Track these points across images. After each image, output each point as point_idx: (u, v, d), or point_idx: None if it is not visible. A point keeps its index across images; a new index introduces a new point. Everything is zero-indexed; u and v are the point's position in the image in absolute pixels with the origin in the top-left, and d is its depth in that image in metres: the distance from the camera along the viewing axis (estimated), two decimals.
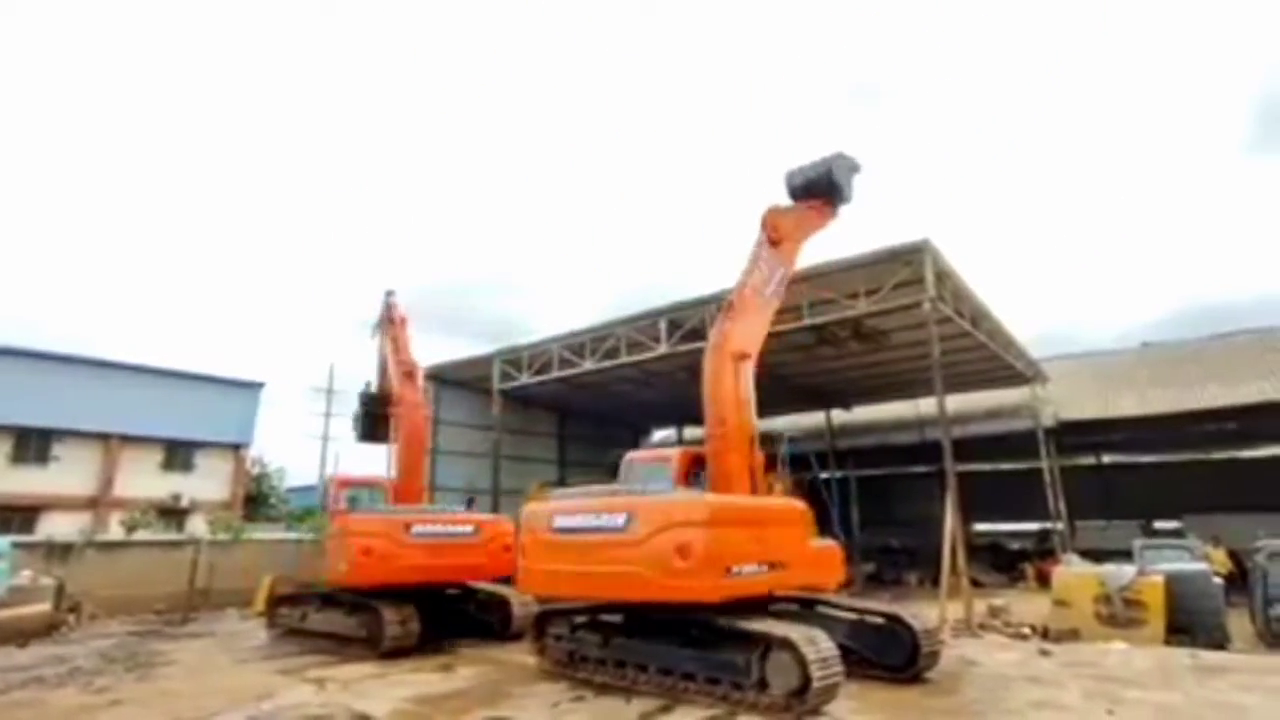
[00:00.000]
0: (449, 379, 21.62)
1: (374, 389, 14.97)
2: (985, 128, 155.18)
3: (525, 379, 18.96)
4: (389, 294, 15.63)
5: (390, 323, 15.11)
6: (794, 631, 6.56)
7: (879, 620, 7.96)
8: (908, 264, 12.80)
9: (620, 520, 7.19)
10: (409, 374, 13.82)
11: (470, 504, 14.36)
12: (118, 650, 10.64)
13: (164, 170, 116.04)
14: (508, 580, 13.78)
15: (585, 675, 8.01)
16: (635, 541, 6.99)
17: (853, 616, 8.10)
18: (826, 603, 8.29)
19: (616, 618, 8.21)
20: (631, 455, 10.72)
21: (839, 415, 24.72)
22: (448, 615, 11.28)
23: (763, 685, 6.63)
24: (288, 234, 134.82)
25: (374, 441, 15.10)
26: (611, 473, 22.98)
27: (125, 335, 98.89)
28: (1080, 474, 24.33)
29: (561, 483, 23.57)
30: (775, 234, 9.76)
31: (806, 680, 6.27)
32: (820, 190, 10.04)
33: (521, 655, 9.50)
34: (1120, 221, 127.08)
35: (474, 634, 11.23)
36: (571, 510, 7.76)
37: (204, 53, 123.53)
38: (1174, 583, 10.44)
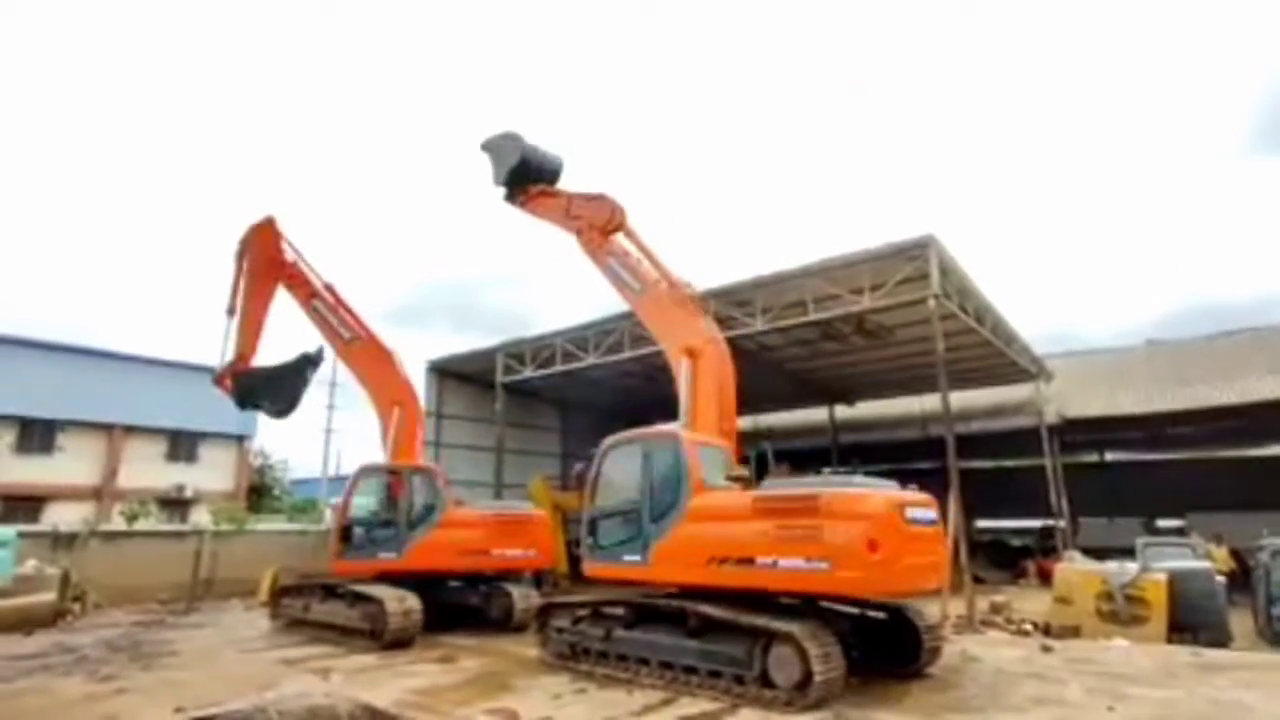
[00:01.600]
0: (452, 372, 21.63)
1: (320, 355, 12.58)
2: (988, 125, 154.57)
3: (528, 373, 18.97)
4: (269, 221, 12.61)
5: (296, 281, 12.44)
6: (796, 625, 6.58)
7: (881, 615, 7.97)
8: (912, 259, 12.76)
9: (934, 514, 7.39)
10: (390, 356, 12.45)
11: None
12: (123, 640, 10.70)
13: (168, 163, 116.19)
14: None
15: (587, 668, 8.03)
16: (940, 533, 7.57)
17: (854, 611, 8.11)
18: (828, 597, 8.29)
19: (617, 610, 8.22)
20: (691, 437, 8.65)
21: (842, 411, 24.71)
22: (449, 607, 11.32)
23: (764, 678, 6.66)
24: (294, 228, 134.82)
25: (281, 416, 12.75)
26: None
27: (129, 327, 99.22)
28: (1083, 471, 24.29)
29: (564, 477, 23.60)
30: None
31: (808, 674, 6.29)
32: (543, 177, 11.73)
33: (523, 647, 9.53)
34: (1121, 220, 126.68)
35: (475, 626, 11.29)
36: (912, 503, 7.04)
37: (217, 51, 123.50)
38: (1176, 581, 10.43)
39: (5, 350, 23.94)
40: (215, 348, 12.73)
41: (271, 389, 12.46)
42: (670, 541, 7.73)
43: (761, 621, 6.77)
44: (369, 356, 12.48)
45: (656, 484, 8.12)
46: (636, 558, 7.96)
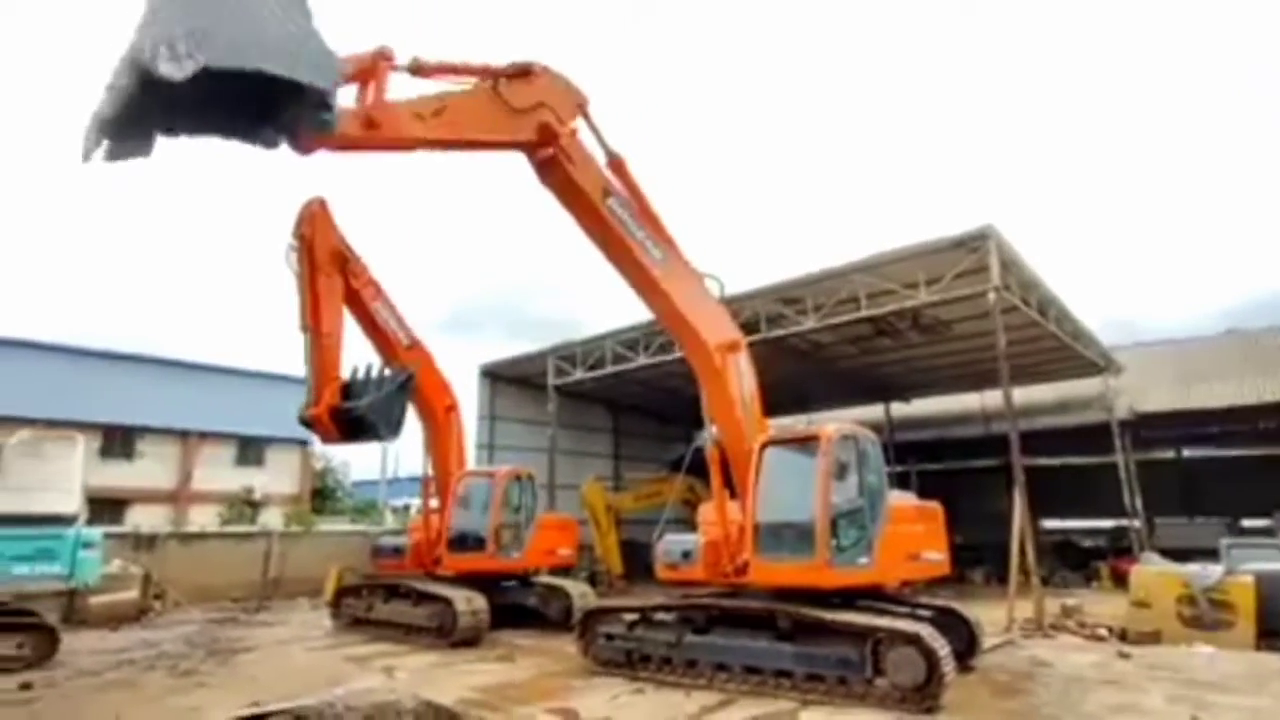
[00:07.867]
0: (504, 376, 21.97)
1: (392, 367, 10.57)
2: (1052, 108, 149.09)
3: (579, 375, 19.10)
4: (320, 202, 10.40)
5: (362, 279, 10.81)
6: (920, 627, 6.59)
7: (929, 614, 7.85)
8: (971, 252, 12.37)
9: None
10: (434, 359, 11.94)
11: None
12: (200, 636, 11.22)
13: (222, 176, 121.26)
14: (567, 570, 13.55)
15: (647, 675, 7.84)
16: None
17: (904, 610, 7.95)
18: (883, 598, 8.11)
19: (671, 616, 8.07)
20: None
21: (898, 408, 24.16)
22: (507, 606, 11.44)
23: (871, 680, 6.61)
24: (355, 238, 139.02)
25: (391, 439, 10.46)
26: (674, 467, 22.42)
27: (193, 337, 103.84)
28: (1158, 469, 23.09)
29: (616, 478, 23.71)
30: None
31: (932, 674, 6.27)
32: None
33: None
34: (1189, 205, 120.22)
35: (534, 624, 11.43)
36: None
37: None
38: (1265, 583, 9.86)
39: (91, 363, 25.54)
40: (300, 375, 10.42)
41: (379, 416, 9.77)
42: (886, 540, 7.48)
43: (884, 623, 6.72)
44: (426, 361, 11.67)
45: (872, 482, 7.72)
46: (865, 560, 7.35)
